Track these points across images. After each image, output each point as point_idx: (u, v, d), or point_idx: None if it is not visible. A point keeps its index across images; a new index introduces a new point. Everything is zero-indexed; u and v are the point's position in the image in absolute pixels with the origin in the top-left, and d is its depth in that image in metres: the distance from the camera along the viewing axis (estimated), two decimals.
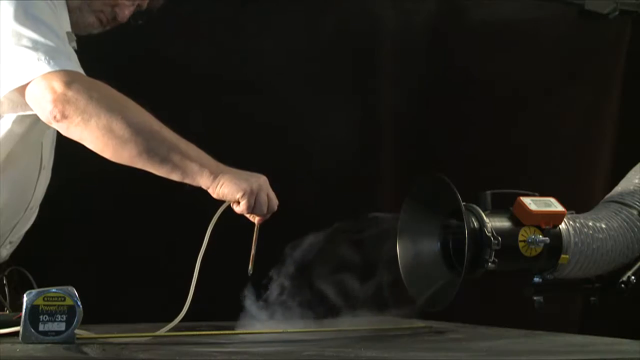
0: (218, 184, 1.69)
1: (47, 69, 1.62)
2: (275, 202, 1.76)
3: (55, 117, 1.61)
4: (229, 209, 1.73)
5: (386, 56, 3.04)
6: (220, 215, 1.71)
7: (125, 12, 1.92)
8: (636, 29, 3.37)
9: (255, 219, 1.78)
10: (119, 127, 1.61)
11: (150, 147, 1.63)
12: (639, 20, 3.37)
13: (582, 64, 3.29)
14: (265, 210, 1.73)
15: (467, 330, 2.03)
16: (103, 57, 2.42)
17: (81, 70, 1.68)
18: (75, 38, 1.95)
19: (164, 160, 1.65)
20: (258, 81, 2.75)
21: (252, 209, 1.72)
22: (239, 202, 1.71)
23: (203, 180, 1.68)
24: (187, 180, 1.68)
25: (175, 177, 1.67)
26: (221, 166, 1.71)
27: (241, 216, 1.76)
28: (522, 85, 3.18)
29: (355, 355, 1.45)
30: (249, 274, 1.77)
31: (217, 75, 2.71)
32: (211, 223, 1.70)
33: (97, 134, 1.62)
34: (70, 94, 1.60)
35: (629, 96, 3.34)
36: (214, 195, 1.70)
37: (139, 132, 1.63)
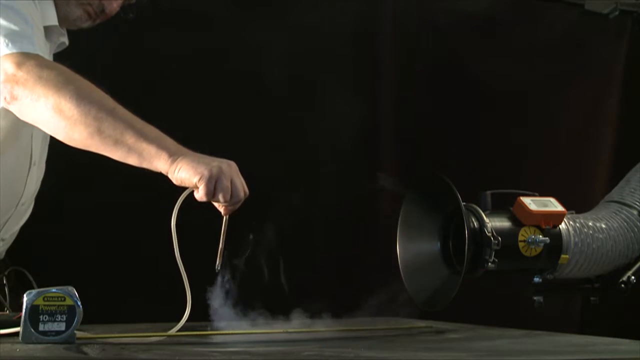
0: (176, 168, 1.56)
1: (5, 51, 1.59)
2: (241, 190, 1.61)
3: (5, 99, 1.58)
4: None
5: (386, 56, 3.04)
6: (182, 202, 1.59)
7: (113, 5, 1.89)
8: (636, 29, 3.37)
9: (222, 209, 1.65)
10: (67, 107, 1.54)
11: (102, 128, 1.54)
12: (639, 20, 3.38)
13: (582, 64, 3.29)
14: (227, 197, 1.59)
15: (467, 330, 2.03)
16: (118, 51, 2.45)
17: (43, 54, 1.65)
18: (64, 32, 1.94)
19: (117, 142, 1.55)
20: (256, 75, 2.75)
21: (212, 195, 1.58)
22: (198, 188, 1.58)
23: (161, 164, 1.56)
24: (144, 165, 1.57)
25: (132, 161, 1.56)
26: (182, 149, 1.59)
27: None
28: (522, 85, 3.18)
29: (355, 355, 1.45)
30: (217, 270, 1.66)
31: (216, 70, 2.72)
32: (174, 212, 1.58)
33: (46, 115, 1.56)
34: (20, 74, 1.56)
35: (629, 96, 3.34)
36: (174, 181, 1.58)
37: (89, 113, 1.54)
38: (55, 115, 1.55)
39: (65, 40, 1.96)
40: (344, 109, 2.79)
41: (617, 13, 3.31)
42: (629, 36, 3.38)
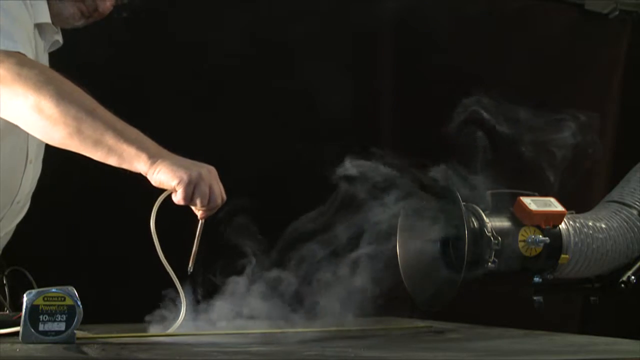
0: (155, 170, 1.57)
1: None
2: (219, 196, 1.63)
3: None
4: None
5: (386, 56, 3.04)
6: (160, 204, 1.60)
7: (107, 3, 1.88)
8: (636, 29, 3.37)
9: (199, 213, 1.66)
10: (47, 106, 1.54)
11: (82, 128, 1.54)
12: (639, 20, 3.37)
13: (582, 64, 3.29)
14: (205, 202, 1.60)
15: (467, 330, 2.03)
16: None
17: (26, 52, 1.64)
18: (58, 31, 1.92)
19: (97, 142, 1.55)
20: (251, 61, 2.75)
21: (189, 200, 1.59)
22: (177, 191, 1.59)
23: (140, 165, 1.56)
24: (124, 165, 1.57)
25: (112, 161, 1.57)
26: (163, 151, 1.59)
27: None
28: (522, 84, 3.17)
29: (355, 355, 1.45)
30: (189, 272, 1.66)
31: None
32: (153, 213, 1.60)
33: (25, 114, 1.55)
34: None
35: (629, 96, 3.34)
36: (152, 182, 1.59)
37: (68, 113, 1.54)
38: (34, 114, 1.55)
39: (59, 38, 1.94)
40: (342, 107, 2.79)
41: (617, 13, 3.31)
42: (629, 36, 3.38)
